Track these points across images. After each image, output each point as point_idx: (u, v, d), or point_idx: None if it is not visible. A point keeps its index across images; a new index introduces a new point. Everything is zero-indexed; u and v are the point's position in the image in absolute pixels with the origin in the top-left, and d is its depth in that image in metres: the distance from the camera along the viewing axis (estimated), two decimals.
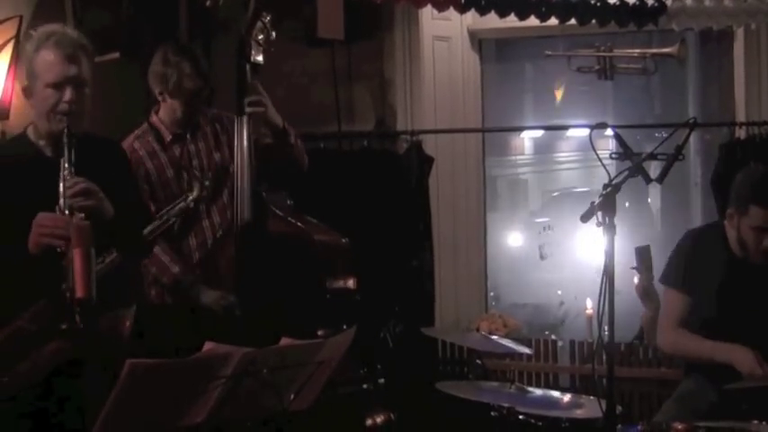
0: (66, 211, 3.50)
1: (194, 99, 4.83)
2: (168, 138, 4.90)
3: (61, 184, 3.54)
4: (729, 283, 4.47)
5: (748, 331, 4.34)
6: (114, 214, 3.66)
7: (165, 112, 4.89)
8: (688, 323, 4.52)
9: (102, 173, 3.71)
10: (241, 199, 4.79)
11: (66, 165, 3.56)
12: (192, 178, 4.72)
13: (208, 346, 3.08)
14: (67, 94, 3.66)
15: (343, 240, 4.97)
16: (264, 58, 4.95)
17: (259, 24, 4.90)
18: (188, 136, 4.93)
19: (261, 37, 4.93)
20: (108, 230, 3.60)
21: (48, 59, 3.67)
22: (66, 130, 3.60)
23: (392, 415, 4.91)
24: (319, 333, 4.57)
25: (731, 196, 4.50)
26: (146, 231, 4.10)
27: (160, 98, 4.87)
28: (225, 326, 4.62)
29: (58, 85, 3.66)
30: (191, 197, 4.46)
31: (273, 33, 4.96)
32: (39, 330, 3.55)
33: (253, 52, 4.90)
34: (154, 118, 4.94)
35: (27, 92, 3.77)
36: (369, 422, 4.82)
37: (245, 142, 4.82)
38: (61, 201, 3.52)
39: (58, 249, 3.46)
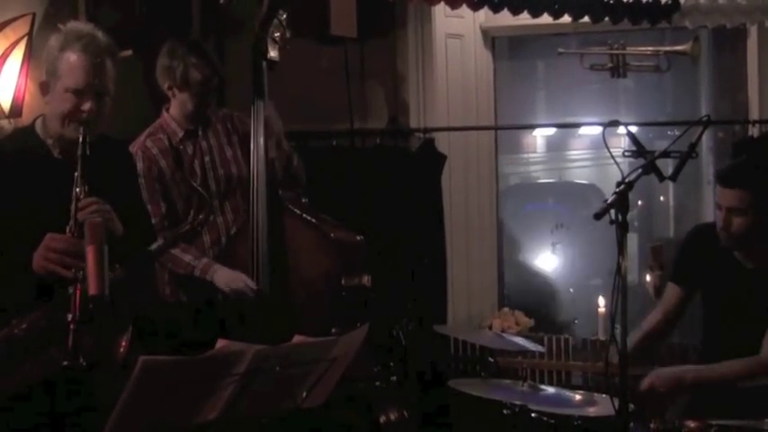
0: (76, 234, 3.42)
1: (203, 90, 4.82)
2: (180, 135, 4.90)
3: (73, 204, 3.46)
4: (726, 281, 4.46)
5: (738, 326, 4.35)
6: (124, 227, 3.60)
7: (176, 107, 4.88)
8: (675, 315, 4.62)
9: (111, 180, 3.67)
10: (257, 197, 4.79)
11: (79, 182, 3.48)
12: (199, 199, 4.73)
13: (220, 343, 3.08)
14: (87, 103, 3.58)
15: (359, 238, 4.97)
16: (280, 55, 4.97)
17: (275, 21, 4.91)
18: (200, 132, 4.93)
19: (277, 34, 4.94)
20: (118, 245, 3.50)
21: (72, 63, 3.58)
22: (81, 143, 3.52)
23: (405, 412, 4.91)
24: (333, 331, 4.58)
25: None
26: (152, 248, 4.05)
27: (169, 93, 4.87)
28: (238, 322, 4.64)
29: (78, 92, 3.59)
30: (197, 221, 4.43)
31: (288, 32, 4.97)
32: (34, 338, 3.47)
33: (269, 49, 4.91)
34: (165, 115, 4.93)
35: (44, 88, 3.69)
36: (382, 419, 4.83)
37: (262, 140, 4.82)
38: (71, 222, 3.45)
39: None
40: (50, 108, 3.68)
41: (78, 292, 3.30)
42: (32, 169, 3.66)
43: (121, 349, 3.72)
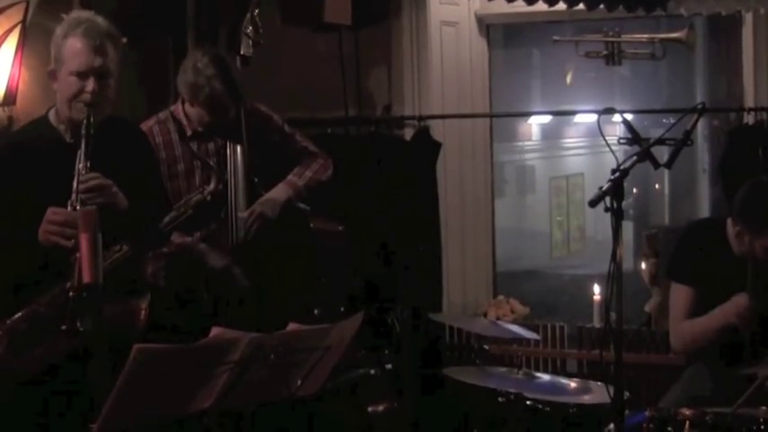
0: (78, 206, 3.53)
1: (223, 113, 4.76)
2: (189, 133, 4.83)
3: (75, 179, 3.58)
4: (732, 278, 4.43)
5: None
6: (131, 203, 3.69)
7: (193, 110, 4.79)
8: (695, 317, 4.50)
9: (122, 158, 3.79)
10: (235, 187, 4.79)
11: (83, 158, 3.60)
12: (209, 171, 4.70)
13: (215, 330, 3.09)
14: (90, 84, 3.70)
15: (340, 228, 4.99)
16: (254, 51, 5.00)
17: (248, 17, 4.93)
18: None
19: (250, 29, 4.95)
20: (123, 221, 3.64)
21: (74, 47, 3.71)
22: (85, 122, 3.63)
23: (395, 403, 4.94)
24: (315, 312, 4.63)
25: (737, 211, 4.38)
26: (162, 223, 4.10)
27: (188, 102, 4.79)
28: (221, 305, 4.65)
29: (81, 75, 3.70)
30: (207, 190, 4.42)
31: (261, 29, 5.00)
32: (54, 315, 3.54)
33: (241, 45, 4.94)
34: (179, 108, 4.85)
35: (52, 76, 3.80)
36: (371, 409, 4.86)
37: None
38: (73, 196, 3.56)
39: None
40: (59, 94, 3.80)
41: (79, 261, 3.39)
42: (45, 154, 3.79)
43: (142, 316, 3.87)
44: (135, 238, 3.79)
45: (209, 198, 4.40)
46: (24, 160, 3.78)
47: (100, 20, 3.81)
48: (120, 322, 3.66)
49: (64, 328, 3.36)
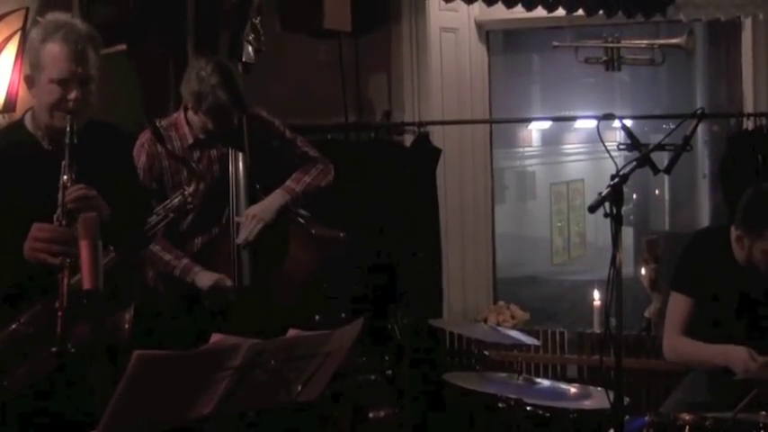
0: (64, 222, 3.43)
1: (228, 121, 4.75)
2: (190, 141, 4.82)
3: (60, 192, 3.46)
4: (734, 288, 4.42)
5: (751, 336, 4.32)
6: (113, 209, 3.58)
7: (196, 117, 4.78)
8: (692, 328, 4.49)
9: (103, 162, 3.66)
10: (236, 194, 4.80)
11: (67, 170, 3.47)
12: (192, 174, 4.69)
13: (215, 337, 3.08)
14: (73, 92, 3.55)
15: (341, 234, 5.00)
16: (256, 57, 5.01)
17: (249, 24, 4.93)
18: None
19: (251, 36, 4.96)
20: (106, 227, 3.50)
21: (54, 53, 3.55)
22: (69, 131, 3.50)
23: (395, 409, 4.94)
24: (317, 318, 4.63)
25: (739, 216, 4.37)
26: (146, 227, 4.04)
27: (191, 109, 4.79)
28: (221, 312, 4.66)
29: (63, 82, 3.55)
30: (187, 191, 4.39)
31: (263, 36, 5.01)
32: (36, 333, 3.48)
33: (243, 52, 4.95)
34: (182, 116, 4.84)
35: (29, 81, 3.66)
36: (371, 415, 4.86)
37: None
38: (59, 210, 3.45)
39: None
40: (37, 100, 3.66)
41: (66, 279, 3.32)
42: (23, 163, 3.65)
43: (126, 326, 3.79)
44: (117, 244, 3.67)
45: (190, 200, 4.35)
46: (1, 170, 3.64)
47: (78, 23, 3.66)
48: (105, 335, 3.59)
49: (54, 350, 3.26)
